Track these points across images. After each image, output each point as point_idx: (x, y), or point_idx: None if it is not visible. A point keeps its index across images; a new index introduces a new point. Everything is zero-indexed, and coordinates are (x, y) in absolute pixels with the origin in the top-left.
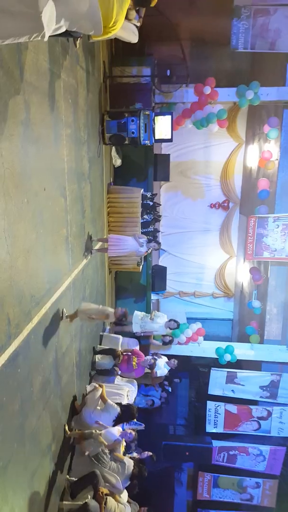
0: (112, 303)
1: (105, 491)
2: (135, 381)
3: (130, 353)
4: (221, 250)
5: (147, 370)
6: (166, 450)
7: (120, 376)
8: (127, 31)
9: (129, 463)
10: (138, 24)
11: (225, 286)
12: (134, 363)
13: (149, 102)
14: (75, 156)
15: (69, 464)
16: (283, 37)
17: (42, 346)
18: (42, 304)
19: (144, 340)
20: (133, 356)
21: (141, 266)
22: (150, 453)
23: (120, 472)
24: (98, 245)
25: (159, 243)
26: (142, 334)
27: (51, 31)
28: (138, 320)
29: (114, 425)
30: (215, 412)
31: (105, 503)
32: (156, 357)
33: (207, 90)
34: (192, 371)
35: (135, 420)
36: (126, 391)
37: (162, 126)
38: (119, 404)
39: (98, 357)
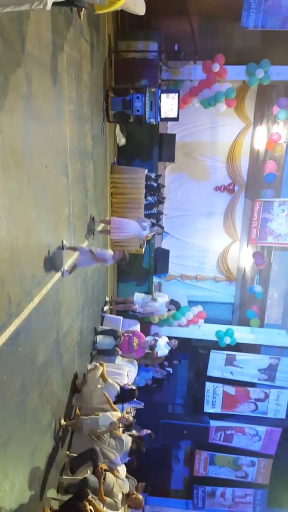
0: (114, 285)
1: (104, 466)
2: (135, 361)
3: (131, 334)
4: (224, 234)
5: (147, 350)
6: (164, 428)
7: (121, 356)
8: (133, 1)
9: (127, 440)
10: None
11: (227, 270)
12: (135, 344)
13: (155, 78)
14: (78, 133)
15: (69, 440)
16: None
17: (44, 326)
18: (44, 284)
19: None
20: (134, 337)
21: (143, 249)
22: (149, 431)
23: (119, 449)
24: (100, 227)
25: (162, 227)
26: (143, 315)
27: None
28: (140, 300)
29: (114, 403)
30: (213, 393)
31: (104, 478)
32: (157, 338)
33: (216, 67)
34: (192, 352)
35: (134, 399)
36: (126, 371)
37: (169, 104)
38: (121, 387)
39: (99, 338)
